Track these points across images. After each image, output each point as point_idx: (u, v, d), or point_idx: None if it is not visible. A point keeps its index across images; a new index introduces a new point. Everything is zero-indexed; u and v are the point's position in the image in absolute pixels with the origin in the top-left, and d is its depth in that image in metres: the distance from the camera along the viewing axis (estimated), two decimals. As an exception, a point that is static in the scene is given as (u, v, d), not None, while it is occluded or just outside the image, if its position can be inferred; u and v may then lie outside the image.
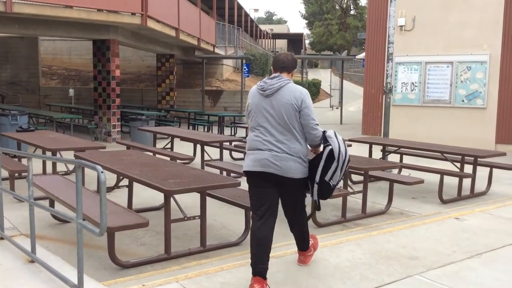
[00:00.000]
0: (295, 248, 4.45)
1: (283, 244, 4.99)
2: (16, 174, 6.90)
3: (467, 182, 7.85)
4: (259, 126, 3.72)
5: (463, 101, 13.33)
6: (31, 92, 20.38)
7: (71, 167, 8.64)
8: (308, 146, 3.84)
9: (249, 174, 3.76)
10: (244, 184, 5.68)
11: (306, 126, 3.69)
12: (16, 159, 8.10)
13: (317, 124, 3.74)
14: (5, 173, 6.89)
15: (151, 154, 8.14)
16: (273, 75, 3.81)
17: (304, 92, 3.73)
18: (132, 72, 23.26)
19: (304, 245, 4.16)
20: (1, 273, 3.98)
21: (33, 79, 20.75)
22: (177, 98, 19.77)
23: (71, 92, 19.08)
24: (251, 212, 3.96)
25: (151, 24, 12.73)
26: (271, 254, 3.74)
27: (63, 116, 14.07)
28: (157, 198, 6.62)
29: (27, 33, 12.72)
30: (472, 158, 7.76)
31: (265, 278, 3.61)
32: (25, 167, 6.47)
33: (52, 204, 5.58)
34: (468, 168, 7.95)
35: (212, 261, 4.46)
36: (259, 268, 3.60)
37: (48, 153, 7.20)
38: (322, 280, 3.87)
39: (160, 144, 11.60)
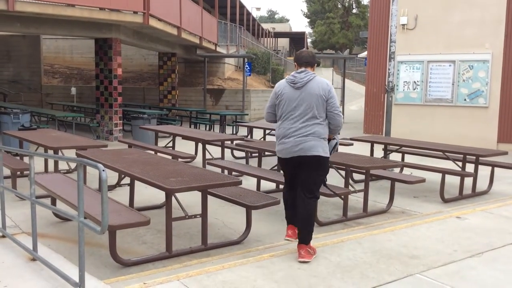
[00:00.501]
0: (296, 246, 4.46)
1: (284, 243, 5.00)
2: (18, 173, 6.93)
3: (468, 181, 7.84)
4: (289, 114, 4.31)
5: (465, 100, 13.30)
6: (33, 90, 20.43)
7: (73, 165, 8.65)
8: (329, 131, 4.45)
9: (279, 159, 4.52)
10: (245, 183, 5.71)
11: (332, 113, 4.30)
12: (18, 158, 8.13)
13: (340, 111, 4.41)
14: (7, 172, 6.92)
15: (153, 152, 8.15)
16: (300, 69, 4.36)
17: (330, 84, 4.37)
18: (134, 71, 23.28)
19: (305, 237, 4.32)
20: (2, 271, 3.99)
21: (35, 78, 20.79)
22: (178, 96, 19.78)
23: (73, 90, 19.11)
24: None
25: (153, 22, 12.73)
26: (272, 253, 4.13)
27: (65, 115, 14.10)
28: (159, 196, 6.63)
29: (29, 31, 12.73)
30: (474, 157, 7.75)
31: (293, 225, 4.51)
32: (27, 166, 6.48)
33: (53, 202, 5.60)
34: (469, 167, 7.95)
35: (213, 259, 4.47)
36: (292, 220, 4.55)
37: (50, 152, 7.21)
38: (323, 279, 3.88)
39: (162, 143, 11.61)
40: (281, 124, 4.40)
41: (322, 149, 4.27)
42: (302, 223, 4.33)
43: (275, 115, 4.50)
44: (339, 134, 4.61)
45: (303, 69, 4.35)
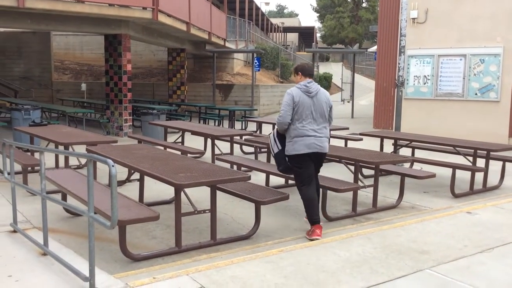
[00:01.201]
0: (305, 242, 4.46)
1: (292, 238, 5.01)
2: (29, 168, 6.98)
3: (479, 176, 7.78)
4: (306, 118, 5.05)
5: (476, 94, 13.18)
6: (43, 86, 20.58)
7: (83, 161, 8.71)
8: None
9: (300, 156, 5.08)
10: (254, 178, 5.70)
11: (330, 117, 5.29)
12: (29, 153, 8.19)
13: None
14: (18, 167, 6.98)
15: (162, 148, 8.18)
16: (308, 80, 5.15)
17: (329, 94, 5.34)
18: (144, 67, 23.34)
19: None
20: (14, 265, 4.04)
21: (46, 74, 20.94)
22: (188, 92, 19.81)
23: (83, 86, 19.21)
24: (299, 183, 5.22)
25: (162, 18, 12.74)
26: (281, 248, 4.23)
27: (75, 111, 14.18)
28: (168, 192, 6.65)
29: (39, 28, 12.80)
30: (485, 152, 7.68)
31: (320, 224, 5.02)
32: (38, 161, 6.54)
33: (64, 198, 5.64)
34: (480, 162, 7.88)
35: (222, 254, 4.48)
36: (317, 218, 5.03)
37: (61, 147, 7.26)
38: (332, 274, 3.87)
39: (171, 138, 11.63)
40: (294, 125, 5.07)
41: (328, 147, 5.29)
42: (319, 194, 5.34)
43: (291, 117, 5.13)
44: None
45: (310, 80, 5.17)
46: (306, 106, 5.03)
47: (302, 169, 5.12)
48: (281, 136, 5.24)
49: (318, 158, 5.18)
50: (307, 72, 5.20)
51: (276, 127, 5.25)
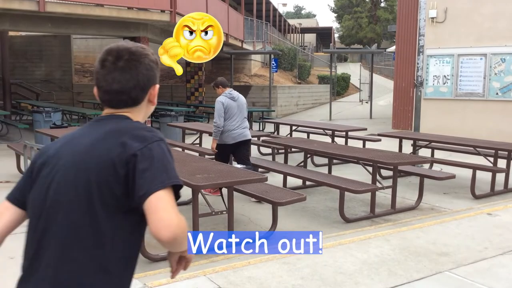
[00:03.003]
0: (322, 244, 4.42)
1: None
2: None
3: (500, 177, 7.65)
4: (234, 116, 6.73)
5: (497, 94, 12.96)
6: (64, 89, 20.88)
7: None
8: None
9: (226, 145, 6.80)
10: (271, 179, 5.72)
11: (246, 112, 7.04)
12: (50, 155, 8.32)
13: None
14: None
15: (180, 149, 8.24)
16: (229, 89, 6.87)
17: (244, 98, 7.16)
18: (162, 69, 23.48)
19: None
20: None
21: (67, 77, 21.25)
22: (205, 94, 19.90)
23: (103, 89, 19.40)
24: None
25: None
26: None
27: (95, 113, 14.36)
28: (185, 193, 6.69)
29: (59, 31, 13.01)
30: (506, 152, 7.56)
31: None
32: (59, 163, 6.62)
33: (84, 199, 5.71)
34: (501, 163, 7.75)
35: (240, 255, 4.49)
36: None
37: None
38: (350, 275, 3.86)
39: (189, 140, 11.70)
40: (227, 123, 6.68)
41: (250, 135, 7.01)
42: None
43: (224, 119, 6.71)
44: None
45: (230, 89, 6.86)
46: (232, 108, 6.69)
47: (225, 153, 6.88)
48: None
49: (246, 144, 6.89)
50: (226, 84, 6.91)
51: (214, 133, 6.77)
